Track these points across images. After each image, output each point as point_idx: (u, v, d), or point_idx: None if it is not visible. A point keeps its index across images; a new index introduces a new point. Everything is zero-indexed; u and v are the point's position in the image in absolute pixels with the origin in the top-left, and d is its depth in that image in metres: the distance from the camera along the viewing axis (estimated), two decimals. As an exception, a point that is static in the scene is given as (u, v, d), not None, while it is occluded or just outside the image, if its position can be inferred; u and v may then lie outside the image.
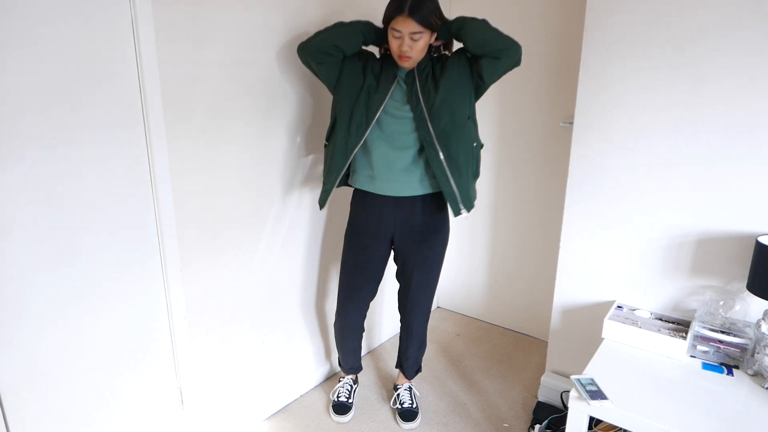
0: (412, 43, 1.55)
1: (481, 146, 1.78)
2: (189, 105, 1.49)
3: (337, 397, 2.05)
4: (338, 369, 2.32)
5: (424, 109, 1.62)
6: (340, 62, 1.66)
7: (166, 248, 1.50)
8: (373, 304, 2.50)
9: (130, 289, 1.45)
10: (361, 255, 1.84)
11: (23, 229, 1.21)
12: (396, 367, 2.12)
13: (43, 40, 1.16)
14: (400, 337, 2.05)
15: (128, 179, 1.39)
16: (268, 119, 1.74)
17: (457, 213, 1.71)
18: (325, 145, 1.79)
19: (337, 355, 2.30)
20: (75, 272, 1.32)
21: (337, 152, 1.70)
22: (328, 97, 1.95)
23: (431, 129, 1.63)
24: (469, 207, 1.73)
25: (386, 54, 1.71)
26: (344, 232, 2.18)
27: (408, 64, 1.62)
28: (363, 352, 2.49)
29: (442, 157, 1.64)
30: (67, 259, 1.30)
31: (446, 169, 1.66)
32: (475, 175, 1.78)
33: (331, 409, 2.03)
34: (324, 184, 1.77)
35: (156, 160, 1.42)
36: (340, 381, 2.11)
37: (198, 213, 1.59)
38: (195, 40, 1.47)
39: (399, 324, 2.66)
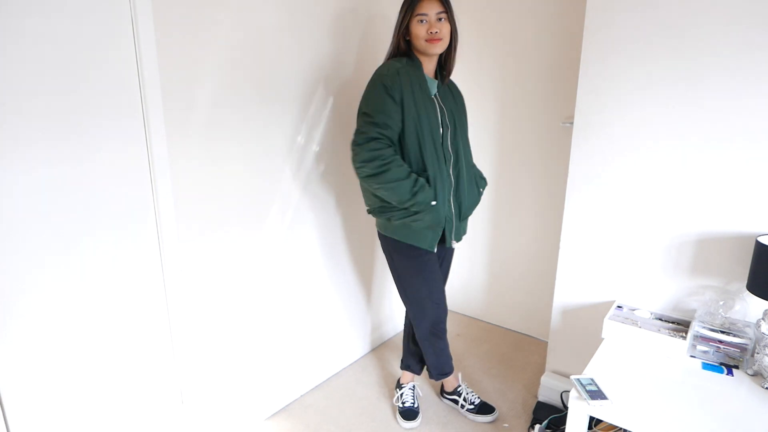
0: (440, 24, 1.59)
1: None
2: (189, 106, 1.49)
3: (403, 403, 2.02)
4: (335, 368, 2.32)
5: (457, 126, 1.73)
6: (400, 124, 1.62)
7: (166, 247, 1.50)
8: (378, 302, 2.51)
9: (131, 288, 1.45)
10: (432, 259, 1.79)
11: (24, 229, 1.21)
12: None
13: (43, 40, 1.16)
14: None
15: (128, 179, 1.39)
16: (269, 119, 1.74)
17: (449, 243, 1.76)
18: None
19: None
20: (75, 272, 1.32)
21: (439, 193, 1.67)
22: (328, 97, 1.95)
23: (451, 146, 1.73)
24: (457, 239, 1.81)
25: (410, 65, 1.63)
26: (346, 229, 2.18)
27: (438, 48, 1.62)
28: (367, 349, 2.49)
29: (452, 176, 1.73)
30: (67, 259, 1.30)
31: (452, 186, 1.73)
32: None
33: (399, 416, 1.99)
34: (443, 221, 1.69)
35: (156, 160, 1.42)
36: (401, 387, 2.07)
37: (198, 212, 1.59)
38: (195, 40, 1.47)
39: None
